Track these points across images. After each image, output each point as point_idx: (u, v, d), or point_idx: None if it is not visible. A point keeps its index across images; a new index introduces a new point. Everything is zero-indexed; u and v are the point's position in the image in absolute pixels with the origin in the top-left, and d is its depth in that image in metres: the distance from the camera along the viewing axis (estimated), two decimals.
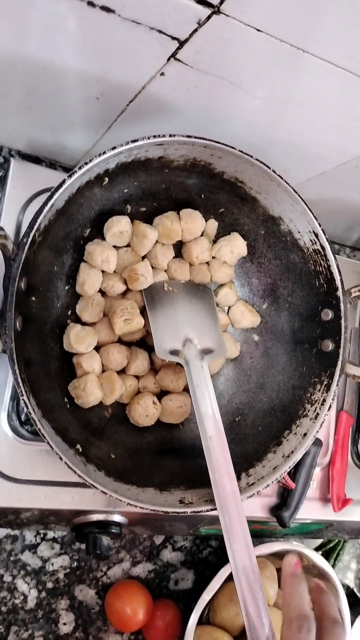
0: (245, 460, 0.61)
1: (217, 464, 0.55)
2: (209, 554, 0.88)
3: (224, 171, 0.61)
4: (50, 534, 0.77)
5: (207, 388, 0.58)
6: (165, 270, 0.65)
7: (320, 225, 0.59)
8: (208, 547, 0.88)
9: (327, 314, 0.61)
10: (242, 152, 0.57)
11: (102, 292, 0.62)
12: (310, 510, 0.73)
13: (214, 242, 0.67)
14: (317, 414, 0.59)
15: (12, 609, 0.74)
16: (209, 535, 0.85)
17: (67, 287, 0.61)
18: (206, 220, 0.66)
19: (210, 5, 0.45)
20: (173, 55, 0.52)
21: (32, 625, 0.75)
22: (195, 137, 0.55)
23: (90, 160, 0.51)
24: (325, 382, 0.60)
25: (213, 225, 0.66)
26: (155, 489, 0.57)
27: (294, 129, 0.64)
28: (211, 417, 0.56)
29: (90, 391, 0.58)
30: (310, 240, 0.61)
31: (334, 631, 0.50)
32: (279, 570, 0.81)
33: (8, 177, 0.63)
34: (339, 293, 0.59)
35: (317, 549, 0.95)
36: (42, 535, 0.76)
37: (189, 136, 0.55)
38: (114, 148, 0.52)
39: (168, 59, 0.53)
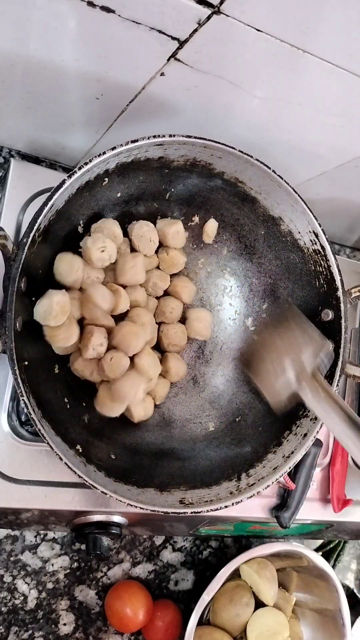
0: (245, 461, 0.61)
1: None
2: (209, 555, 0.87)
3: (224, 171, 0.61)
4: (50, 535, 0.76)
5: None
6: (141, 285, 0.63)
7: (320, 226, 0.59)
8: (208, 548, 0.88)
9: (328, 314, 0.61)
10: (242, 152, 0.57)
11: None
12: (310, 511, 0.73)
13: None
14: None
15: (12, 609, 0.74)
16: (209, 535, 0.85)
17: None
18: (206, 220, 0.66)
19: (210, 5, 0.45)
20: (173, 55, 0.52)
21: (32, 625, 0.75)
22: (195, 137, 0.55)
23: (90, 161, 0.51)
24: None
25: (213, 225, 0.66)
26: (156, 489, 0.57)
27: (294, 129, 0.64)
28: None
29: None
30: (311, 241, 0.61)
31: None
32: (279, 571, 0.81)
33: (8, 177, 0.63)
34: (339, 293, 0.59)
35: (317, 550, 0.95)
36: (42, 536, 0.76)
37: (188, 136, 0.54)
38: (113, 148, 0.52)
39: (168, 59, 0.53)
